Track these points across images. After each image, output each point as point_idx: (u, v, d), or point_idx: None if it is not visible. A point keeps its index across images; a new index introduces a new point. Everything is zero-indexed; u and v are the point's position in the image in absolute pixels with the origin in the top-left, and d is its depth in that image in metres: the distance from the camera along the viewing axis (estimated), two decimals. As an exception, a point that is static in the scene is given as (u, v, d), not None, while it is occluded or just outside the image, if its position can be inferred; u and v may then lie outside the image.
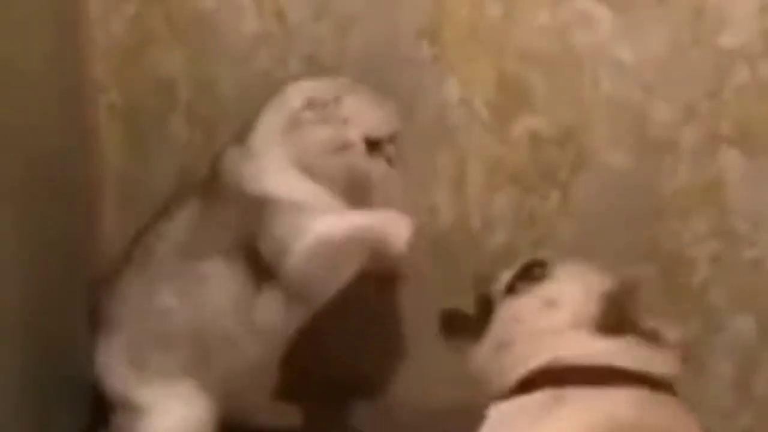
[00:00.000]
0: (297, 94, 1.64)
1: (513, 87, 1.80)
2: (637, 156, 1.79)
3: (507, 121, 1.82)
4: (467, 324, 1.60)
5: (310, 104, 1.61)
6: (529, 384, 1.44)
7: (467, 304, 1.88)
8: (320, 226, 1.58)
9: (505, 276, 1.60)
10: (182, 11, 1.89)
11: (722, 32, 1.72)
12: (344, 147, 1.60)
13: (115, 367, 1.69)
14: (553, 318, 1.51)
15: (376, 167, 1.62)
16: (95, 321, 1.71)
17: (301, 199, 1.60)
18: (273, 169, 1.61)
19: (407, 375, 1.92)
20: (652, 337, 1.47)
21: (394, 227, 1.59)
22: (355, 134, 1.60)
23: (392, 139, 1.64)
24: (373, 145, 1.61)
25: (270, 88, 1.81)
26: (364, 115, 1.61)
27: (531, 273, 1.57)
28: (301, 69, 1.85)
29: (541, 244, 1.84)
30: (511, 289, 1.58)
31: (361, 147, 1.60)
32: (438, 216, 1.87)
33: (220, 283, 1.62)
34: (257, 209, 1.60)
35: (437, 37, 1.81)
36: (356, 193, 1.63)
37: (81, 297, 1.77)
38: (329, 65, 1.84)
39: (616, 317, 1.46)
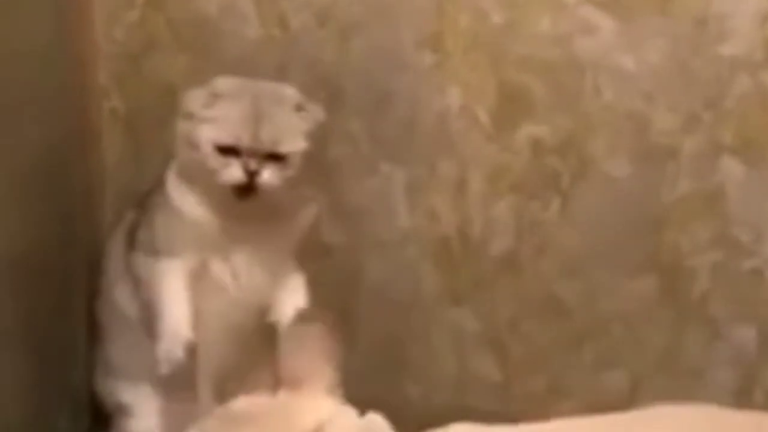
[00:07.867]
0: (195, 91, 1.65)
1: (514, 95, 1.81)
2: (638, 165, 1.78)
3: (508, 129, 1.82)
4: None
5: (186, 102, 1.63)
6: None
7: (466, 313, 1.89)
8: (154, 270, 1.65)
9: None
10: (185, 17, 1.89)
11: (724, 41, 1.72)
12: (193, 145, 1.60)
13: (104, 372, 1.77)
14: None
15: (229, 172, 1.59)
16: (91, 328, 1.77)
17: (177, 209, 1.64)
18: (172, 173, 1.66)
19: (407, 379, 1.93)
20: None
21: (165, 345, 1.61)
22: (203, 135, 1.60)
23: (251, 152, 1.59)
24: (227, 152, 1.59)
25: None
26: (221, 120, 1.60)
27: None
28: (303, 76, 1.85)
29: (542, 252, 1.84)
30: None
31: (208, 149, 1.59)
32: (439, 223, 1.87)
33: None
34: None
35: (439, 45, 1.81)
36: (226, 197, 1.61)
37: (80, 301, 1.78)
38: (331, 72, 1.84)
39: None
